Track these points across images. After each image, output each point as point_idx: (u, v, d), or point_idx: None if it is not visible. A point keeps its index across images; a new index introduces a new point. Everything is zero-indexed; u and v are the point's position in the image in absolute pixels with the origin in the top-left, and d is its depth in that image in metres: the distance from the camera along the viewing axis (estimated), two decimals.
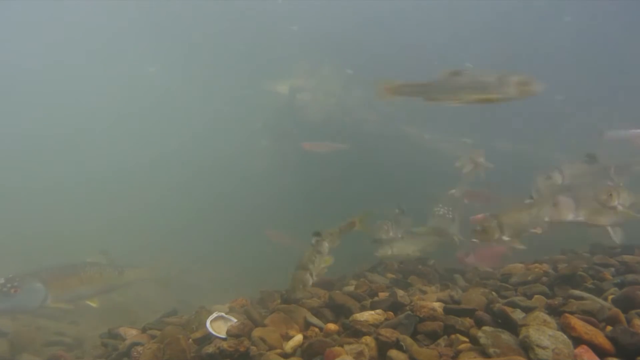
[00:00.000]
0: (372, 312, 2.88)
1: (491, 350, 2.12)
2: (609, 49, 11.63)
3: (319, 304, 3.18)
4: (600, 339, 2.06)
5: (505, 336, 2.20)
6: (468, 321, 2.54)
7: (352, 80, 11.52)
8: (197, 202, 12.32)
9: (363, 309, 3.04)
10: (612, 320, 2.26)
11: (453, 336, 2.45)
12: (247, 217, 10.08)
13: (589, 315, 2.31)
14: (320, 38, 12.99)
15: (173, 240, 9.68)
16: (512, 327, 2.29)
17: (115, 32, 17.16)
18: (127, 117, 18.21)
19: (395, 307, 2.95)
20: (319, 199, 9.17)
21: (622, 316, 2.27)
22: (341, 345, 2.41)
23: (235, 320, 2.98)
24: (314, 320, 2.97)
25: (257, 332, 2.73)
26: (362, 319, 2.77)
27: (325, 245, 3.45)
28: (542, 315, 2.23)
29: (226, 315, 3.03)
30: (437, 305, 2.74)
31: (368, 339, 2.49)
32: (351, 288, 3.68)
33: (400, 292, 3.30)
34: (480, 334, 2.24)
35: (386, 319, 2.80)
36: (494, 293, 3.10)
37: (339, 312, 3.07)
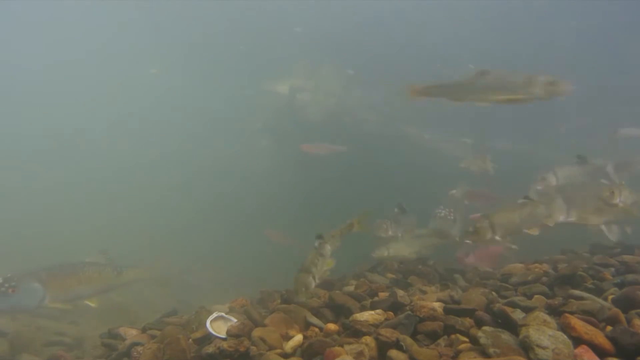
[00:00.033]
0: (372, 312, 2.88)
1: (491, 350, 2.12)
2: (609, 49, 11.64)
3: (319, 304, 3.18)
4: (600, 339, 2.06)
5: (505, 336, 2.20)
6: (468, 321, 2.54)
7: (353, 80, 11.53)
8: (197, 202, 12.31)
9: (363, 309, 3.04)
10: (612, 320, 2.26)
11: (453, 336, 2.45)
12: (247, 217, 10.08)
13: (589, 315, 2.31)
14: (321, 38, 13.00)
15: (173, 240, 9.68)
16: (512, 327, 2.29)
17: (115, 32, 17.15)
18: (127, 117, 18.21)
19: (395, 307, 2.95)
20: (319, 199, 9.17)
21: (622, 316, 2.27)
22: (341, 345, 2.41)
23: (235, 320, 2.98)
24: (314, 320, 2.97)
25: (257, 332, 2.73)
26: (362, 319, 2.77)
27: (328, 248, 3.45)
28: (542, 315, 2.23)
29: (226, 315, 3.03)
30: (437, 305, 2.74)
31: (368, 339, 2.49)
32: (351, 288, 3.68)
33: (400, 292, 3.30)
34: (480, 334, 2.24)
35: (386, 319, 2.80)
36: (494, 293, 3.10)
37: (339, 312, 3.07)
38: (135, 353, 2.98)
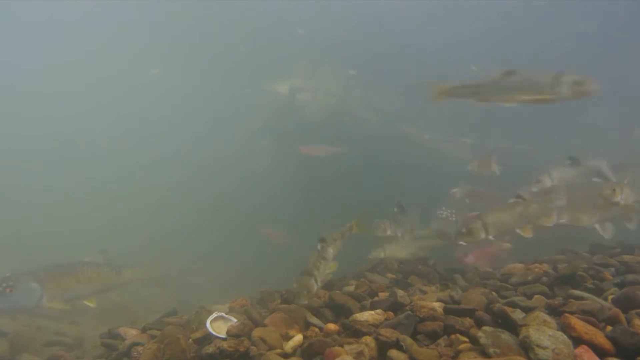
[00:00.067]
0: (372, 312, 2.88)
1: (491, 350, 2.12)
2: (609, 48, 11.64)
3: (319, 304, 3.18)
4: (600, 339, 2.06)
5: (505, 336, 2.19)
6: (468, 321, 2.54)
7: (354, 80, 11.53)
8: (197, 202, 12.32)
9: (363, 309, 3.04)
10: (612, 320, 2.26)
11: (453, 336, 2.45)
12: (247, 217, 10.08)
13: (589, 315, 2.30)
14: (323, 40, 13.01)
15: (173, 240, 9.69)
16: (512, 327, 2.29)
17: (115, 32, 17.16)
18: (127, 117, 18.22)
19: (395, 307, 2.95)
20: (319, 199, 9.17)
21: (622, 316, 2.27)
22: (341, 345, 2.41)
23: (235, 320, 2.98)
24: (314, 320, 2.98)
25: (257, 332, 2.73)
26: (362, 319, 2.77)
27: (330, 251, 3.45)
28: (542, 315, 2.23)
29: (226, 315, 3.03)
30: (437, 305, 2.74)
31: (368, 339, 2.49)
32: (351, 288, 3.68)
33: (400, 292, 3.30)
34: (480, 334, 2.24)
35: (386, 319, 2.80)
36: (494, 293, 3.10)
37: (339, 312, 3.07)
38: (135, 353, 2.98)
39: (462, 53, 11.52)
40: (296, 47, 13.62)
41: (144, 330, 3.44)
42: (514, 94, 2.89)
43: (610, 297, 2.67)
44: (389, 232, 4.81)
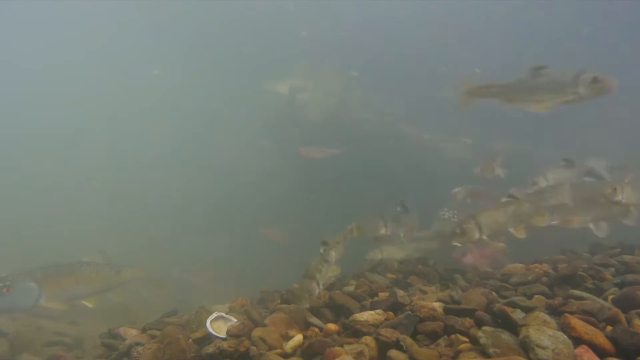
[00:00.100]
0: (372, 312, 2.88)
1: (491, 350, 2.12)
2: (609, 48, 11.63)
3: (319, 304, 3.18)
4: (600, 339, 2.06)
5: (505, 336, 2.19)
6: (468, 321, 2.54)
7: (356, 81, 11.53)
8: (197, 202, 12.32)
9: (363, 309, 3.04)
10: (612, 320, 2.26)
11: (453, 336, 2.45)
12: (247, 217, 10.08)
13: (589, 315, 2.30)
14: (325, 41, 13.01)
15: (173, 240, 9.69)
16: (512, 327, 2.29)
17: (115, 32, 17.16)
18: (127, 117, 18.21)
19: (395, 307, 2.95)
20: (319, 199, 9.17)
21: (622, 316, 2.27)
22: (341, 345, 2.41)
23: (235, 320, 2.98)
24: (314, 320, 2.98)
25: (257, 332, 2.73)
26: (362, 319, 2.77)
27: (333, 254, 3.45)
28: (542, 315, 2.23)
29: (226, 315, 3.03)
30: (437, 305, 2.74)
31: (368, 339, 2.49)
32: (351, 288, 3.68)
33: (400, 292, 3.30)
34: (480, 334, 2.24)
35: (386, 319, 2.80)
36: (494, 293, 3.10)
37: (339, 312, 3.07)
38: (135, 353, 2.98)
39: (463, 53, 11.52)
40: (297, 47, 13.62)
41: (144, 330, 3.44)
42: (543, 93, 2.85)
43: (610, 297, 2.67)
44: (384, 231, 4.72)
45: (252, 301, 4.02)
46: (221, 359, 2.53)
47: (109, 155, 16.45)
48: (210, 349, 2.59)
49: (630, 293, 2.48)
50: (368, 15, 13.52)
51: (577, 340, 2.07)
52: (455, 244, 3.91)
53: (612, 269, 3.25)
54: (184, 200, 12.78)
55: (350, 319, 2.80)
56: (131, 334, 3.41)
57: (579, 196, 4.04)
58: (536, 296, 2.88)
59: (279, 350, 2.60)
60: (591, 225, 4.06)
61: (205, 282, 7.88)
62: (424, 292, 3.60)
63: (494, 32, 12.22)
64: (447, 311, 2.69)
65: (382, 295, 3.29)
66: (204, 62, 15.94)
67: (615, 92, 2.83)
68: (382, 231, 4.67)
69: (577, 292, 2.77)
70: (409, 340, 2.38)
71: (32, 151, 16.55)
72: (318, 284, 3.20)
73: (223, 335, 2.76)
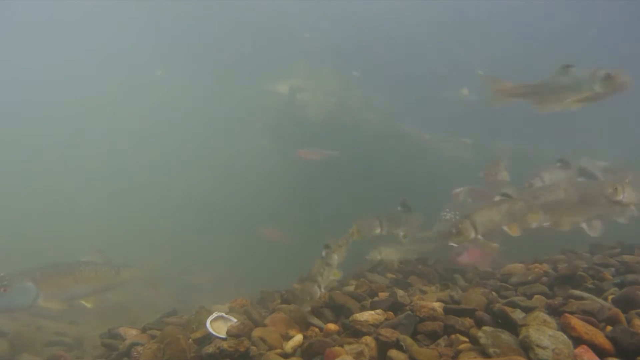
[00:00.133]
0: (372, 312, 2.88)
1: (491, 350, 2.12)
2: (609, 48, 11.63)
3: (319, 304, 3.18)
4: (600, 339, 2.06)
5: (505, 336, 2.19)
6: (468, 321, 2.54)
7: (357, 81, 11.54)
8: (197, 202, 12.32)
9: (363, 309, 3.04)
10: (612, 320, 2.26)
11: (453, 336, 2.45)
12: (247, 217, 10.08)
13: (589, 315, 2.30)
14: (327, 42, 13.01)
15: (173, 240, 9.69)
16: (512, 327, 2.29)
17: (115, 32, 17.17)
18: (127, 117, 18.22)
19: (395, 307, 2.95)
20: (319, 199, 9.18)
21: (622, 316, 2.27)
22: (341, 345, 2.41)
23: (235, 320, 2.98)
24: (314, 320, 2.98)
25: (257, 332, 2.73)
26: (362, 319, 2.76)
27: (335, 257, 3.44)
28: (542, 315, 2.23)
29: (226, 315, 3.03)
30: (437, 305, 2.74)
31: (368, 339, 2.49)
32: (351, 288, 3.68)
33: (400, 292, 3.30)
34: (480, 334, 2.24)
35: (386, 319, 2.80)
36: (494, 293, 3.10)
37: (339, 312, 3.07)
38: (135, 353, 2.98)
39: (463, 54, 11.52)
40: (297, 47, 13.63)
41: (144, 330, 3.44)
42: (573, 91, 2.82)
43: (610, 297, 2.67)
44: (379, 231, 4.65)
45: (252, 301, 4.02)
46: (221, 359, 2.54)
47: (109, 155, 16.45)
48: (210, 349, 2.59)
49: (630, 293, 2.48)
50: (368, 15, 13.52)
51: (577, 340, 2.07)
52: (452, 244, 3.90)
53: (612, 269, 3.25)
54: (184, 200, 12.78)
55: (350, 319, 2.80)
56: (131, 334, 3.40)
57: (570, 196, 4.03)
58: (536, 296, 2.87)
59: (279, 350, 2.60)
60: (584, 225, 4.05)
61: (205, 282, 7.89)
62: (424, 292, 3.60)
63: (493, 32, 12.22)
64: (447, 311, 2.69)
65: (382, 295, 3.29)
66: (204, 62, 15.94)
67: (630, 89, 2.82)
68: (377, 231, 4.61)
69: (577, 292, 2.76)
70: (409, 340, 2.38)
71: (32, 151, 16.56)
72: (319, 287, 3.19)
73: (223, 335, 2.76)
